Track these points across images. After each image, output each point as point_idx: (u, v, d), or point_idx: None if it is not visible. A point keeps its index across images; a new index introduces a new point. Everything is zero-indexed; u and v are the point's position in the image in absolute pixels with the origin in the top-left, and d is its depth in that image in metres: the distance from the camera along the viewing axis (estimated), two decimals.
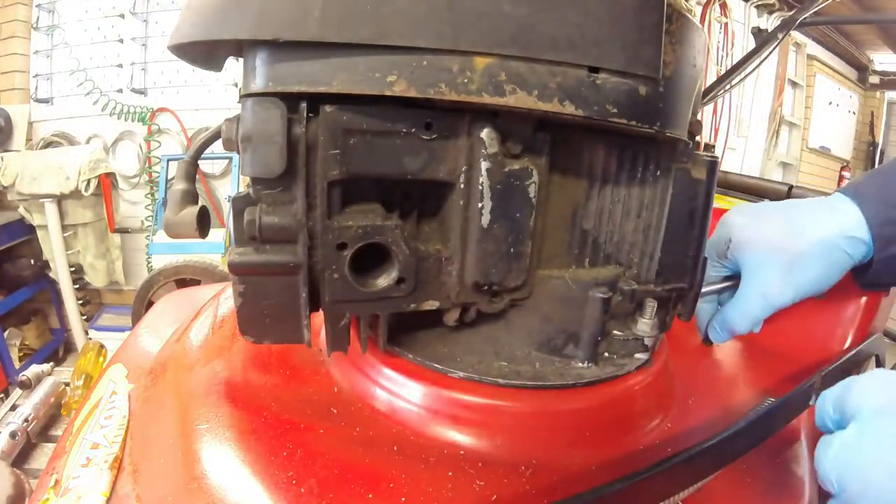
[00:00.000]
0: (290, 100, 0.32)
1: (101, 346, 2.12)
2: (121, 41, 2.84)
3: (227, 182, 2.94)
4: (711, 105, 3.32)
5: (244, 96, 0.33)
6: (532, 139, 0.38)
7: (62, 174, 2.49)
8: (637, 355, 0.46)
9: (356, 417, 0.42)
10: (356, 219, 0.36)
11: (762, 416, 0.42)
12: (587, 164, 0.42)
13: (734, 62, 1.43)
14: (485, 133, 0.35)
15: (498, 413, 0.41)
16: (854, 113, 4.91)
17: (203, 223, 0.45)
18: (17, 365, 2.55)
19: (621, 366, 0.45)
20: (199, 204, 0.46)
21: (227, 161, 2.87)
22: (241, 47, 0.34)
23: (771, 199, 0.96)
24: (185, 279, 2.38)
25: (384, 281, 0.38)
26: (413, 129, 0.35)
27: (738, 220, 0.52)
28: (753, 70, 1.38)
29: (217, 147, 0.42)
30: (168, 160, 2.78)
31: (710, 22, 3.36)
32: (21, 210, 2.65)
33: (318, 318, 0.40)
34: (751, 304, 0.50)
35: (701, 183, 0.41)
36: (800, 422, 0.50)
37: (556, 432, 0.42)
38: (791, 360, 0.62)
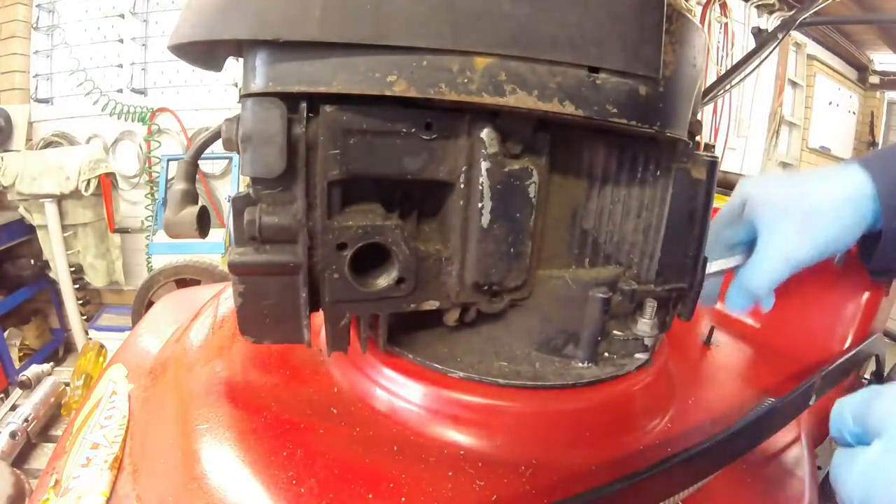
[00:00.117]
0: (290, 100, 0.32)
1: (101, 346, 2.12)
2: (121, 41, 2.84)
3: (227, 182, 2.94)
4: (711, 105, 3.32)
5: (244, 96, 0.33)
6: (532, 139, 0.38)
7: (62, 174, 2.49)
8: (637, 355, 0.46)
9: (356, 417, 0.42)
10: (356, 219, 0.36)
11: (762, 416, 0.42)
12: (587, 164, 0.42)
13: (734, 62, 1.43)
14: (485, 133, 0.35)
15: (498, 413, 0.41)
16: (854, 113, 4.91)
17: (203, 223, 0.45)
18: (17, 365, 2.55)
19: (621, 366, 0.45)
20: (199, 204, 0.46)
21: (227, 161, 2.87)
22: (241, 47, 0.34)
23: None
24: (185, 279, 2.38)
25: (384, 281, 0.38)
26: (413, 129, 0.35)
27: (752, 184, 0.53)
28: (753, 70, 1.37)
29: (217, 147, 0.42)
30: (168, 160, 2.78)
31: (710, 22, 3.36)
32: (21, 210, 2.64)
33: (318, 318, 0.40)
34: (770, 262, 0.49)
35: (701, 183, 0.41)
36: (800, 422, 0.50)
37: (556, 432, 0.42)
38: (791, 360, 0.62)
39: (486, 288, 0.40)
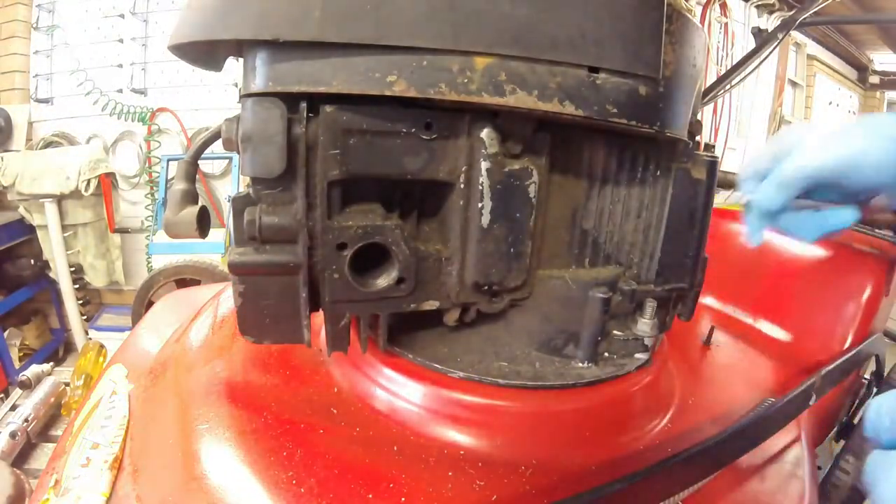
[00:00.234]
0: (290, 100, 0.32)
1: (101, 346, 2.12)
2: (121, 41, 2.84)
3: (227, 182, 2.93)
4: (711, 105, 3.32)
5: (244, 96, 0.33)
6: (532, 139, 0.38)
7: (62, 174, 2.49)
8: (637, 355, 0.46)
9: (356, 417, 0.42)
10: (356, 219, 0.36)
11: (762, 416, 0.42)
12: (587, 164, 0.42)
13: (734, 62, 1.43)
14: (485, 133, 0.35)
15: (498, 413, 0.41)
16: (854, 113, 4.91)
17: (203, 223, 0.45)
18: (17, 365, 2.55)
19: (621, 366, 0.45)
20: (199, 204, 0.46)
21: (227, 161, 2.87)
22: (241, 47, 0.34)
23: None
24: (185, 279, 2.37)
25: (384, 281, 0.38)
26: (413, 129, 0.35)
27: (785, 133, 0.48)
28: (753, 70, 1.37)
29: (217, 147, 0.42)
30: (168, 160, 2.77)
31: (710, 22, 3.36)
32: (21, 210, 2.64)
33: (318, 318, 0.40)
34: (783, 169, 0.43)
35: (701, 183, 0.41)
36: (800, 422, 0.50)
37: (555, 432, 0.42)
38: (791, 360, 0.62)
39: (486, 288, 0.40)
